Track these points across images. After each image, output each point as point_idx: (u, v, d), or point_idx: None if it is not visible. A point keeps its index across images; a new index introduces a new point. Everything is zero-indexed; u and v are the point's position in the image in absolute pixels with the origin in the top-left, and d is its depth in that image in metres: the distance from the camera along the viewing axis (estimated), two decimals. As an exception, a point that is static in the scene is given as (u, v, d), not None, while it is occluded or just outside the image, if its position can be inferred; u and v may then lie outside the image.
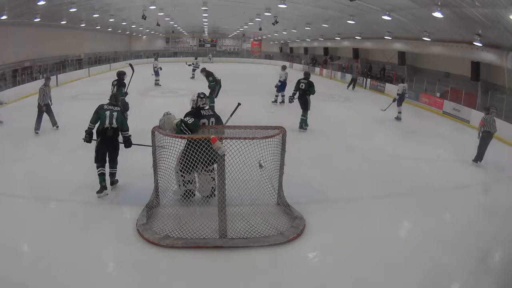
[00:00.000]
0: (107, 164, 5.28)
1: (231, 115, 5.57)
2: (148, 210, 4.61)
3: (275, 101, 13.34)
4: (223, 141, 4.29)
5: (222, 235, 4.14)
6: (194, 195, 4.95)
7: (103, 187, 5.11)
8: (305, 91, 9.13)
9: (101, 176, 5.13)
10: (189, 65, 20.77)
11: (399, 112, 11.85)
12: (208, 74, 11.25)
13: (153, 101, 13.46)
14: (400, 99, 11.86)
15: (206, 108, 5.06)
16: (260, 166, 4.66)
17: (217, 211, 4.17)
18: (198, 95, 5.04)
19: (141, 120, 9.68)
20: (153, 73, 17.34)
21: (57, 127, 8.85)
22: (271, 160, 4.65)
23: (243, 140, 4.32)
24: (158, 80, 17.32)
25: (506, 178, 7.02)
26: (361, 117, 11.97)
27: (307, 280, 3.63)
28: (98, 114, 5.16)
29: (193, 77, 20.04)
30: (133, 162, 6.40)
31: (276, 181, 4.87)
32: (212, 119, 4.92)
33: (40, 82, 15.46)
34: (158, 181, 4.72)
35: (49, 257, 3.76)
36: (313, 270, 3.85)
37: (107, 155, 5.26)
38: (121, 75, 8.40)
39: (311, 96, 9.24)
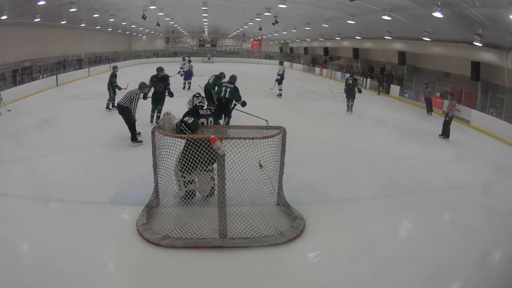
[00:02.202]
0: None
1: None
2: (148, 210, 4.61)
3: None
4: (223, 141, 4.30)
5: (222, 235, 4.14)
6: (195, 195, 4.95)
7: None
8: (353, 86, 12.00)
9: None
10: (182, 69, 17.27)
11: (280, 89, 15.08)
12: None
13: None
14: (281, 79, 15.07)
15: (204, 107, 5.07)
16: (260, 166, 4.66)
17: (217, 211, 4.16)
18: (194, 95, 5.05)
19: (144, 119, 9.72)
20: (182, 73, 16.09)
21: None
22: (271, 160, 4.65)
23: (243, 140, 4.33)
24: (190, 83, 15.87)
25: (506, 178, 7.01)
26: (361, 117, 11.96)
27: (307, 280, 3.62)
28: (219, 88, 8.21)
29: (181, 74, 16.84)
30: (133, 162, 6.42)
31: (276, 181, 4.87)
32: (211, 119, 4.93)
33: (40, 82, 15.62)
34: (158, 181, 4.71)
35: (49, 257, 3.75)
36: (313, 270, 3.85)
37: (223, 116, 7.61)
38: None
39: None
